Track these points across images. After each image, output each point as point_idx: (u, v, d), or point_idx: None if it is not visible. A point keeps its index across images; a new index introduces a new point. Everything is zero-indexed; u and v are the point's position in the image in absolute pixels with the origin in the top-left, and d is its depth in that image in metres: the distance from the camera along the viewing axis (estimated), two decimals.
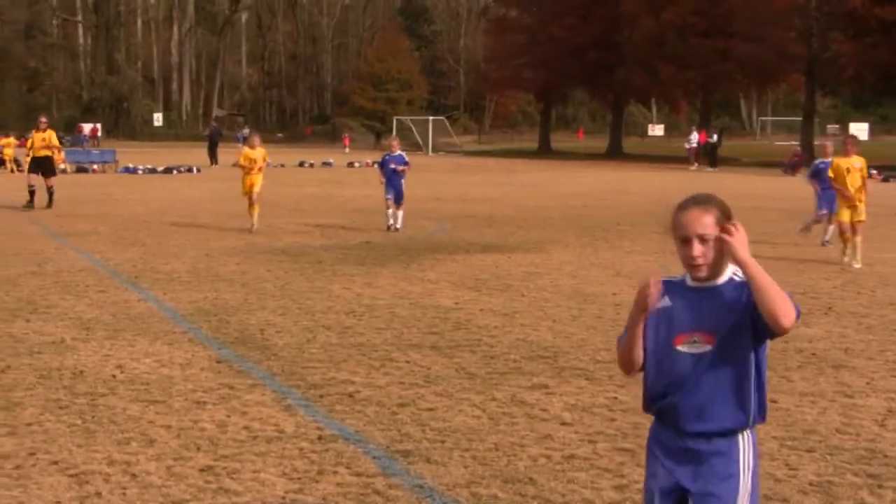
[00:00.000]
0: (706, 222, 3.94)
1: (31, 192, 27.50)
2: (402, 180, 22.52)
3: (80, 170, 50.78)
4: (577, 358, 10.21)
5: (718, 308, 3.95)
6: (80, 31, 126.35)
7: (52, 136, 29.44)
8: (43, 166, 28.32)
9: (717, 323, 3.94)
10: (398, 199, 22.26)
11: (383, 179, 22.60)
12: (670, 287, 4.08)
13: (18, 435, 7.59)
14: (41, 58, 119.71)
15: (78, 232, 21.91)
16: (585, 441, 7.55)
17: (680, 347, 4.01)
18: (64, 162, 51.87)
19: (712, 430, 3.96)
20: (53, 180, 28.34)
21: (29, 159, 29.14)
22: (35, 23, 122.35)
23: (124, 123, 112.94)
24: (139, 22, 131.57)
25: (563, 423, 7.98)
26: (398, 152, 23.15)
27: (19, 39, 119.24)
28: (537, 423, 8.00)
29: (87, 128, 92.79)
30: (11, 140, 52.57)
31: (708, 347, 3.95)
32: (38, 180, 27.88)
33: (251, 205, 22.21)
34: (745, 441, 4.00)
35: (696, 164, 59.07)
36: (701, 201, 4.02)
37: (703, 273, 3.97)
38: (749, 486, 3.99)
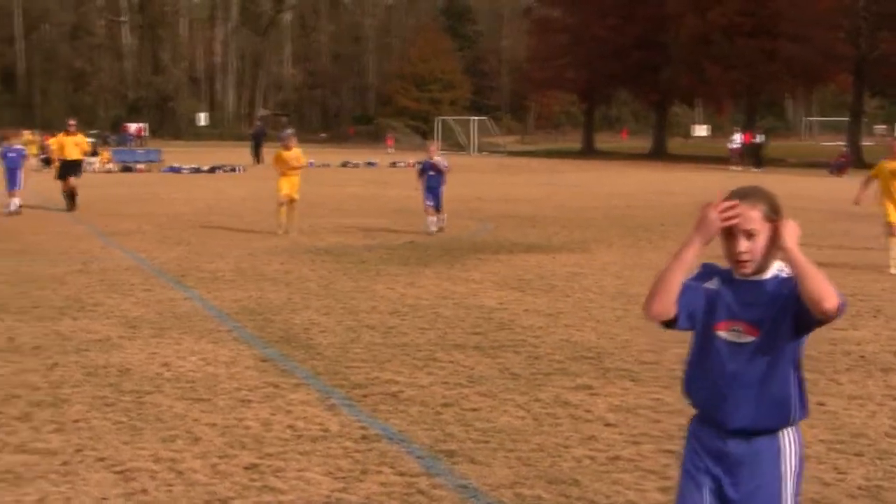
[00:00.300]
0: (752, 217, 3.89)
1: (69, 196, 27.17)
2: (442, 186, 22.14)
3: (126, 169, 51.17)
4: (621, 359, 10.18)
5: (764, 301, 3.91)
6: (126, 32, 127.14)
7: (84, 140, 28.88)
8: (73, 169, 27.61)
9: (760, 315, 3.90)
10: (438, 206, 21.89)
11: (419, 187, 22.33)
12: (720, 273, 4.05)
13: (66, 431, 7.66)
14: (87, 58, 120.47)
15: (123, 231, 22.08)
16: (630, 442, 7.53)
17: (721, 333, 3.98)
18: (110, 160, 52.39)
19: (754, 427, 3.92)
20: (77, 182, 27.63)
21: (58, 163, 28.21)
22: (81, 24, 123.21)
23: (169, 123, 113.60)
24: (183, 22, 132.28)
25: (608, 424, 7.96)
26: (437, 158, 22.59)
27: (66, 40, 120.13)
28: (581, 423, 7.99)
29: (132, 127, 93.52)
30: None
31: (750, 339, 3.91)
32: (68, 183, 27.32)
33: (284, 205, 21.58)
34: (788, 439, 3.97)
35: (739, 165, 58.57)
36: (748, 195, 3.96)
37: (748, 269, 3.93)
38: (794, 486, 3.96)
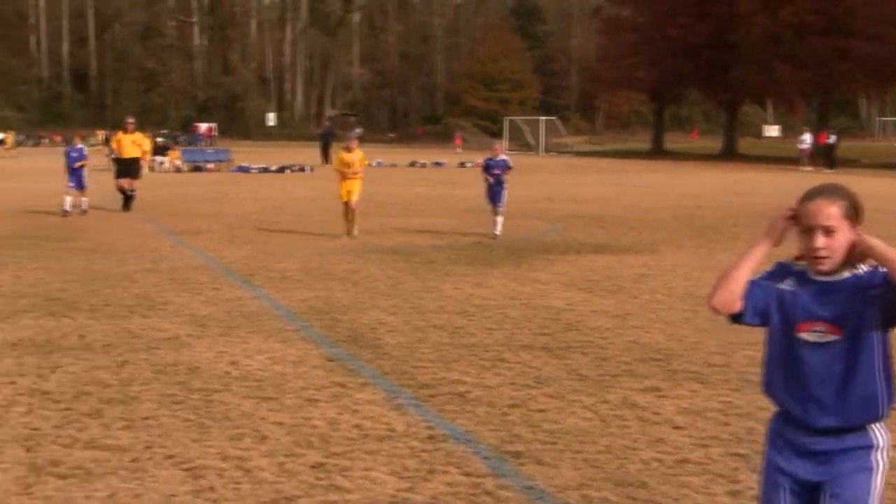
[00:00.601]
0: (831, 213, 3.85)
1: (128, 196, 27.08)
2: (505, 185, 21.37)
3: (196, 168, 51.68)
4: (689, 361, 10.11)
5: (843, 299, 3.87)
6: (196, 33, 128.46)
7: (142, 138, 28.62)
8: (130, 168, 27.34)
9: (842, 313, 3.86)
10: (498, 205, 21.15)
11: (490, 179, 21.41)
12: (795, 274, 4.02)
13: (135, 429, 7.75)
14: (158, 59, 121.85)
15: (192, 230, 22.31)
16: (698, 445, 7.47)
17: (803, 335, 3.95)
18: (180, 159, 52.87)
19: (842, 426, 3.89)
20: (136, 183, 27.45)
21: (115, 162, 28.00)
22: (152, 24, 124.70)
23: (238, 123, 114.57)
24: (253, 23, 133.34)
25: (676, 427, 7.91)
26: (502, 157, 21.85)
27: (137, 41, 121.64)
28: (649, 426, 7.94)
29: (202, 127, 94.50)
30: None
31: (832, 338, 3.88)
32: (126, 183, 27.22)
33: (347, 211, 21.14)
34: (877, 434, 3.92)
35: (809, 166, 57.77)
36: (828, 192, 3.93)
37: (825, 267, 3.89)
38: (882, 482, 3.91)
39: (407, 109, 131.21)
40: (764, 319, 4.04)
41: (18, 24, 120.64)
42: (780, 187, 40.04)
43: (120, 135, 27.92)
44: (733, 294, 3.98)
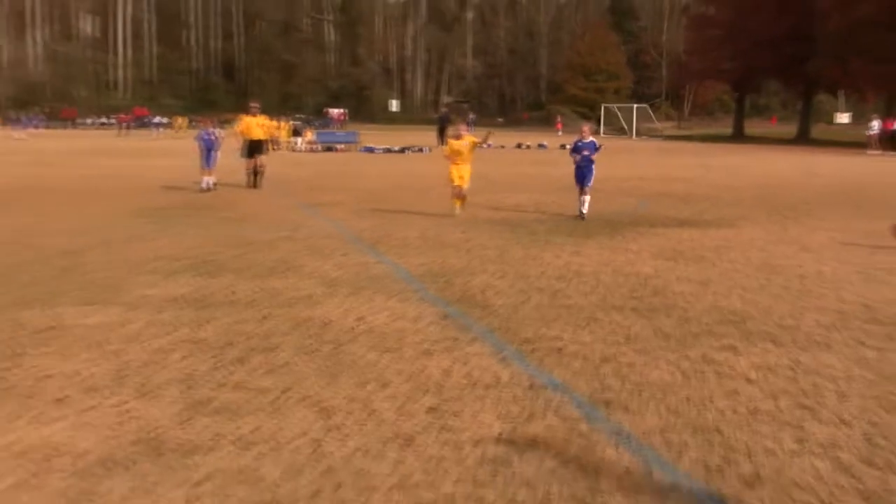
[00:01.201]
0: None
1: (254, 174, 26.78)
2: (593, 166, 20.05)
3: (328, 149, 52.10)
4: (763, 323, 10.00)
5: None
6: (329, 29, 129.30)
7: (266, 120, 28.22)
8: (258, 148, 26.95)
9: None
10: (586, 185, 19.86)
11: (578, 158, 20.05)
12: None
13: (275, 374, 7.92)
14: (295, 52, 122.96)
15: (325, 203, 22.54)
16: (769, 397, 7.41)
17: None
18: (314, 140, 53.38)
19: None
20: (264, 159, 27.10)
21: (244, 143, 27.17)
22: (291, 22, 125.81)
23: (365, 109, 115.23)
24: (378, 20, 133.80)
25: (749, 381, 7.85)
26: (590, 139, 20.46)
27: (278, 37, 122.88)
28: (725, 379, 7.89)
29: (335, 112, 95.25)
30: (282, 124, 53.47)
31: None
32: (253, 162, 26.94)
33: (457, 195, 20.00)
34: None
35: (877, 150, 56.34)
36: None
37: None
38: None
39: (514, 97, 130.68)
40: None
41: (176, 22, 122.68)
42: (848, 168, 39.15)
43: (246, 118, 27.46)
44: None
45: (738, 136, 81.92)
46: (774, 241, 16.60)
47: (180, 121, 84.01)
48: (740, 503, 5.45)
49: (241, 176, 26.60)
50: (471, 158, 20.30)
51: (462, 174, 19.87)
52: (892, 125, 60.28)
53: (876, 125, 60.10)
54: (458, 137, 20.49)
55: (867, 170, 37.97)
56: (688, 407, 7.18)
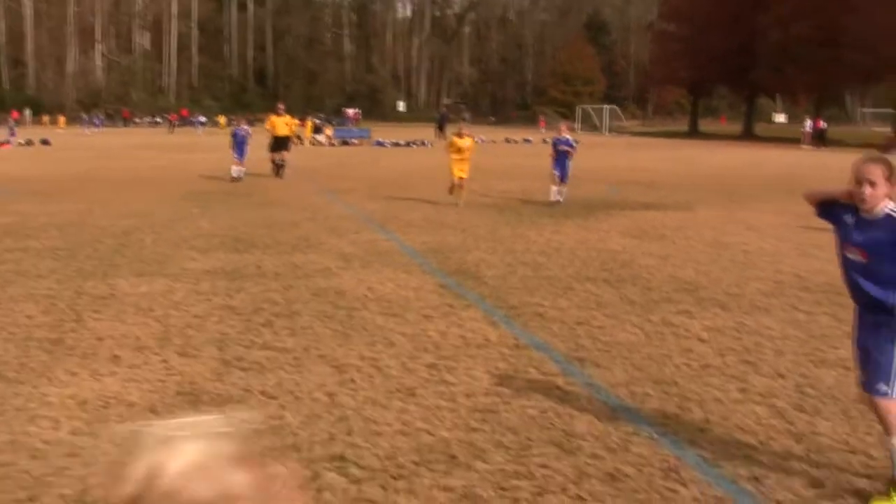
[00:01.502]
0: (875, 172, 4.55)
1: (279, 166, 26.15)
2: (569, 161, 19.54)
3: (344, 143, 51.97)
4: (713, 291, 9.96)
5: (875, 231, 4.58)
6: (346, 42, 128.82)
7: (291, 119, 27.49)
8: (283, 144, 26.39)
9: (873, 242, 4.57)
10: (563, 177, 19.28)
11: (556, 153, 19.35)
12: (854, 212, 4.68)
13: (296, 335, 7.88)
14: (318, 61, 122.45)
15: (342, 189, 22.46)
16: (718, 354, 7.38)
17: (847, 254, 4.71)
18: (333, 136, 53.28)
19: (878, 308, 4.57)
20: (286, 154, 26.53)
21: (271, 138, 26.43)
22: (314, 36, 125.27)
23: (376, 109, 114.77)
24: (389, 34, 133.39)
25: (701, 340, 7.81)
26: (566, 136, 19.79)
27: (303, 48, 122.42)
28: (681, 339, 7.85)
29: (350, 112, 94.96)
30: (306, 122, 52.70)
31: (863, 259, 4.61)
32: (278, 155, 26.26)
33: (456, 186, 19.03)
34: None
35: (809, 146, 56.35)
36: (874, 159, 4.65)
37: (868, 206, 4.58)
38: None
39: (504, 99, 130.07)
40: (829, 219, 4.88)
41: (217, 36, 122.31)
42: (786, 160, 39.05)
43: (273, 117, 26.81)
44: (813, 202, 4.95)
45: (694, 133, 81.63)
46: (724, 222, 16.53)
47: (223, 120, 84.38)
48: (693, 444, 5.40)
49: (268, 167, 26.44)
50: (470, 155, 19.52)
51: (463, 168, 19.02)
52: (820, 124, 60.49)
53: (808, 124, 60.29)
54: (461, 135, 19.47)
55: (801, 162, 37.81)
56: (649, 363, 7.13)
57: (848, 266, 4.73)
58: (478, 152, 22.66)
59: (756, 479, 4.92)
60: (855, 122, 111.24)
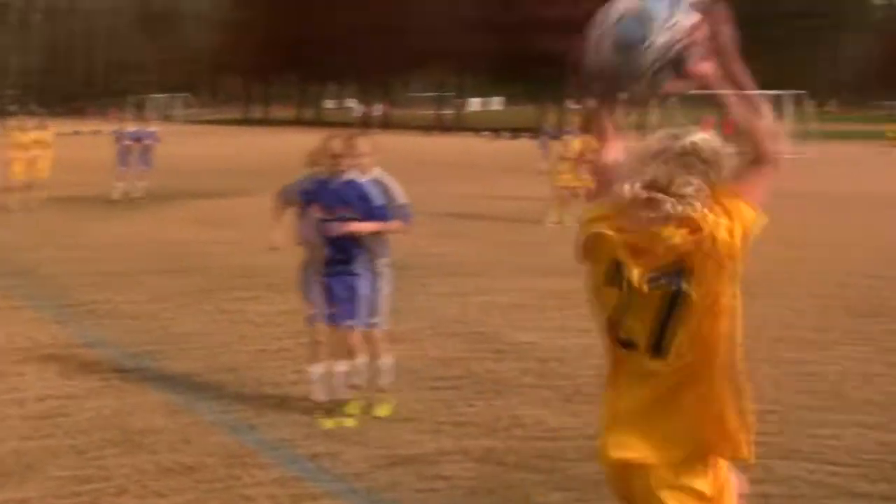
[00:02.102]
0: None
1: None
2: (148, 155, 19.02)
3: None
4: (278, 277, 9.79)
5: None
6: None
7: None
8: None
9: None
10: (134, 171, 18.50)
11: None
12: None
13: None
14: None
15: None
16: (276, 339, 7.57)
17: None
18: None
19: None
20: None
21: None
22: None
23: None
24: None
25: (267, 325, 8.02)
26: (135, 129, 19.25)
27: None
28: (248, 325, 8.04)
29: None
30: None
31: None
32: None
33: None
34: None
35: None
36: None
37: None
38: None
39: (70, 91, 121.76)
40: None
41: None
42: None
43: None
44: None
45: (248, 121, 79.42)
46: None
47: None
48: (257, 428, 5.54)
49: None
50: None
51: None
52: (375, 110, 61.75)
53: (358, 108, 60.19)
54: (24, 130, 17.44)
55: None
56: (221, 350, 7.19)
57: None
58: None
59: (326, 455, 5.10)
60: (406, 107, 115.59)
